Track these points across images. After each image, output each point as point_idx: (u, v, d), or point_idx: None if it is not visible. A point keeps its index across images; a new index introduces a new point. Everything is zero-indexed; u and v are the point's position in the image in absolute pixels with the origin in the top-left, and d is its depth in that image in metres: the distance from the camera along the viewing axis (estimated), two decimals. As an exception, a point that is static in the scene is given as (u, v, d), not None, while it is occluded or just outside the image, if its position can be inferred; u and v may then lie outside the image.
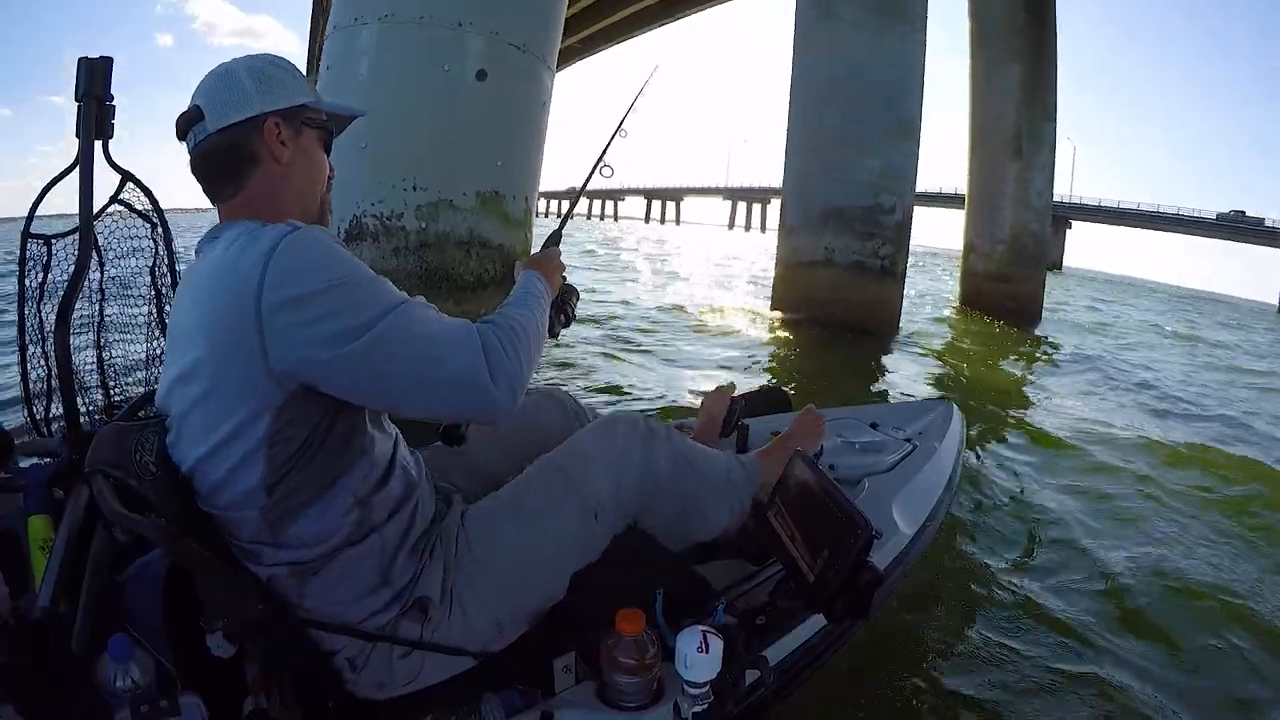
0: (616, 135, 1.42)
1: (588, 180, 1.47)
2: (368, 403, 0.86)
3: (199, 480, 0.85)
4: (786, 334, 7.09)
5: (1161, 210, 55.34)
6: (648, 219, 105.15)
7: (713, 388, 1.69)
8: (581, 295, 1.31)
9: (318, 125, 0.98)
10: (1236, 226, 51.38)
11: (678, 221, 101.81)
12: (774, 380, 4.93)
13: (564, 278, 1.22)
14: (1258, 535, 2.84)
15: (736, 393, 1.71)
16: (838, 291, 7.48)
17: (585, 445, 1.11)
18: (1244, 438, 4.74)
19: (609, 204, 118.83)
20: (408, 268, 3.30)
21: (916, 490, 1.60)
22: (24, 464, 1.17)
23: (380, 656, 0.91)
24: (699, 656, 0.86)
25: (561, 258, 1.21)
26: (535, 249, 1.24)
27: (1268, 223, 50.37)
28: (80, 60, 1.32)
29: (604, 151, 1.42)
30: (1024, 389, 5.91)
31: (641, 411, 3.49)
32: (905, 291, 8.12)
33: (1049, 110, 11.20)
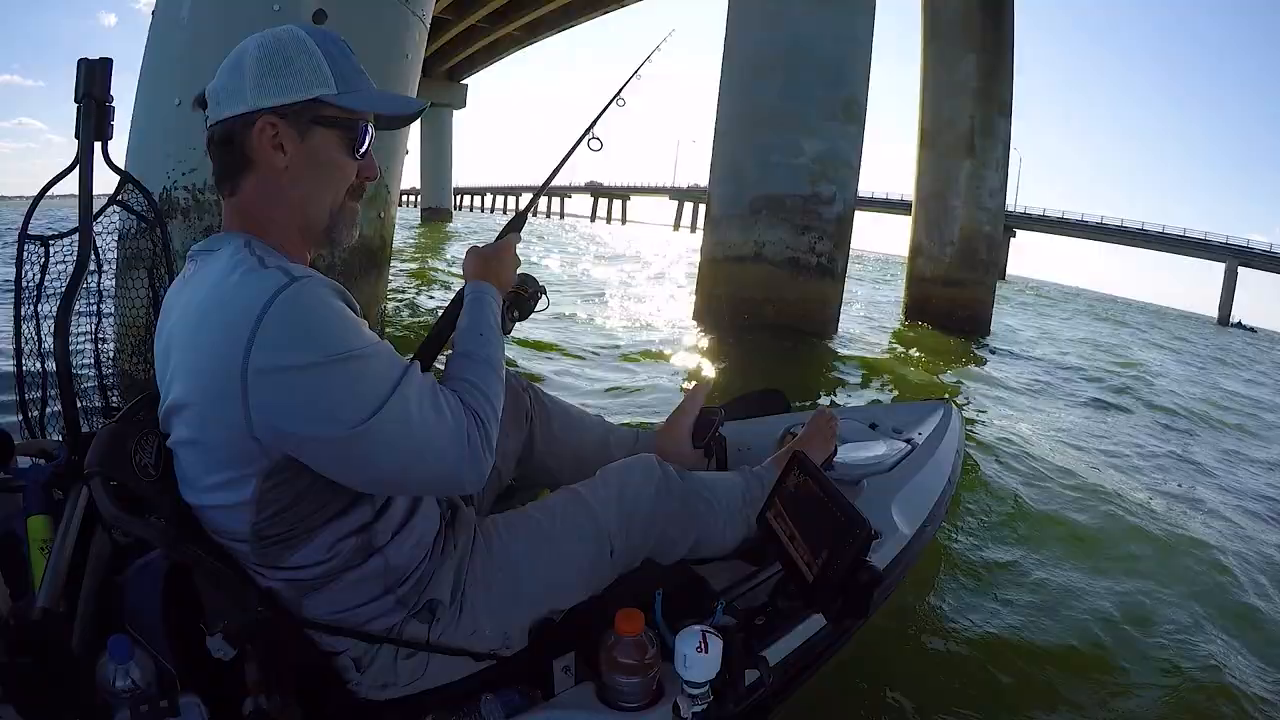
0: (613, 103, 1.31)
1: (572, 150, 1.31)
2: (342, 481, 0.80)
3: (192, 508, 0.84)
4: (710, 333, 6.40)
5: (1105, 221, 55.69)
6: (593, 218, 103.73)
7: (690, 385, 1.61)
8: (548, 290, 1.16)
9: (336, 123, 0.84)
10: (1178, 239, 52.29)
11: (623, 221, 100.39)
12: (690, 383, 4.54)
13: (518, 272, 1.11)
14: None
15: (707, 397, 1.56)
16: (769, 290, 6.63)
17: (605, 484, 1.13)
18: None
19: (554, 201, 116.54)
20: (132, 289, 2.11)
21: (915, 491, 1.61)
22: (23, 464, 1.17)
23: (385, 657, 0.90)
24: (698, 656, 0.86)
25: (518, 247, 1.11)
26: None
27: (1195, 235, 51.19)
28: (80, 61, 1.33)
29: (595, 120, 1.28)
30: (992, 393, 5.79)
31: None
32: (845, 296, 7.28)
33: (1004, 105, 10.62)
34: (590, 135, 1.27)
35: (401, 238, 16.02)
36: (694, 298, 7.34)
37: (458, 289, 1.07)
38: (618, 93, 1.34)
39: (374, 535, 0.88)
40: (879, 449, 1.76)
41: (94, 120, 1.34)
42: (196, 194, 2.88)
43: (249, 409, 0.72)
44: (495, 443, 0.85)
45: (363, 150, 0.87)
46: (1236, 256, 48.87)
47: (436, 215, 30.98)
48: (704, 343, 6.22)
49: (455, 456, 0.80)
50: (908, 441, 1.82)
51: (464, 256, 1.07)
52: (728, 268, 6.90)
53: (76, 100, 1.33)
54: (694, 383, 1.60)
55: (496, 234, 1.14)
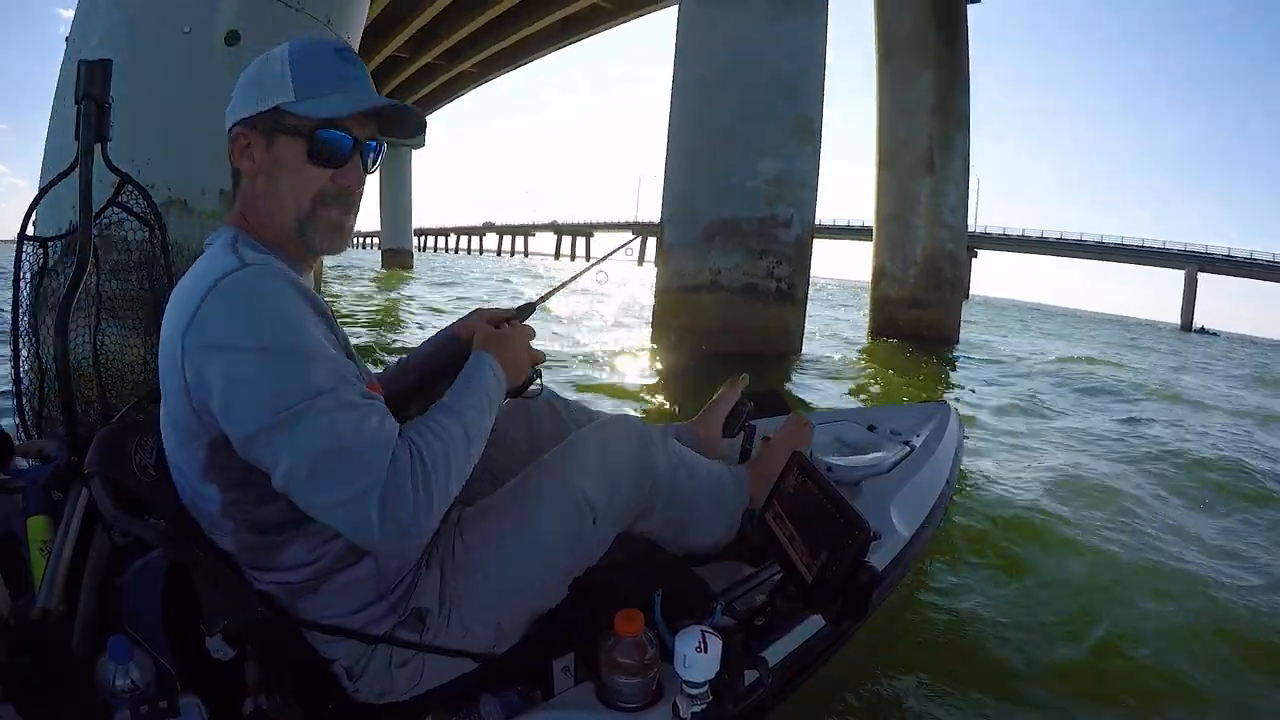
0: (601, 263, 1.50)
1: (574, 277, 1.43)
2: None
3: (180, 496, 0.85)
4: (668, 365, 6.07)
5: (1064, 236, 56.43)
6: (558, 255, 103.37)
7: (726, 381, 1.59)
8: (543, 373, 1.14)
9: (298, 131, 0.84)
10: (1137, 249, 53.53)
11: (588, 257, 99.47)
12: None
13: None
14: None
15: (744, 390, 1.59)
16: (727, 319, 6.29)
17: (580, 448, 1.07)
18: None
19: (519, 239, 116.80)
20: (131, 291, 1.92)
21: (914, 492, 1.61)
22: (23, 465, 1.17)
23: (379, 666, 0.90)
24: (697, 656, 0.86)
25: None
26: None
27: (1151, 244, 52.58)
28: (80, 63, 1.33)
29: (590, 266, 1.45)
30: (970, 402, 5.70)
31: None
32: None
33: (962, 119, 10.52)
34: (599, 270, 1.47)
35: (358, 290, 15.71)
36: (650, 328, 7.02)
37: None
38: (601, 259, 1.53)
39: None
40: (878, 451, 1.76)
41: (94, 121, 1.34)
42: (102, 230, 2.45)
43: (186, 380, 0.76)
44: (438, 503, 0.76)
45: (328, 157, 0.85)
46: (1195, 262, 49.91)
47: (397, 258, 30.91)
48: (662, 374, 5.90)
49: (361, 491, 0.72)
50: (906, 443, 1.83)
51: (476, 330, 1.02)
52: (683, 298, 6.56)
53: (77, 101, 1.34)
54: (731, 379, 1.59)
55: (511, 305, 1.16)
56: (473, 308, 1.16)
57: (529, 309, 1.14)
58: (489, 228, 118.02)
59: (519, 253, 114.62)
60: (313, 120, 0.84)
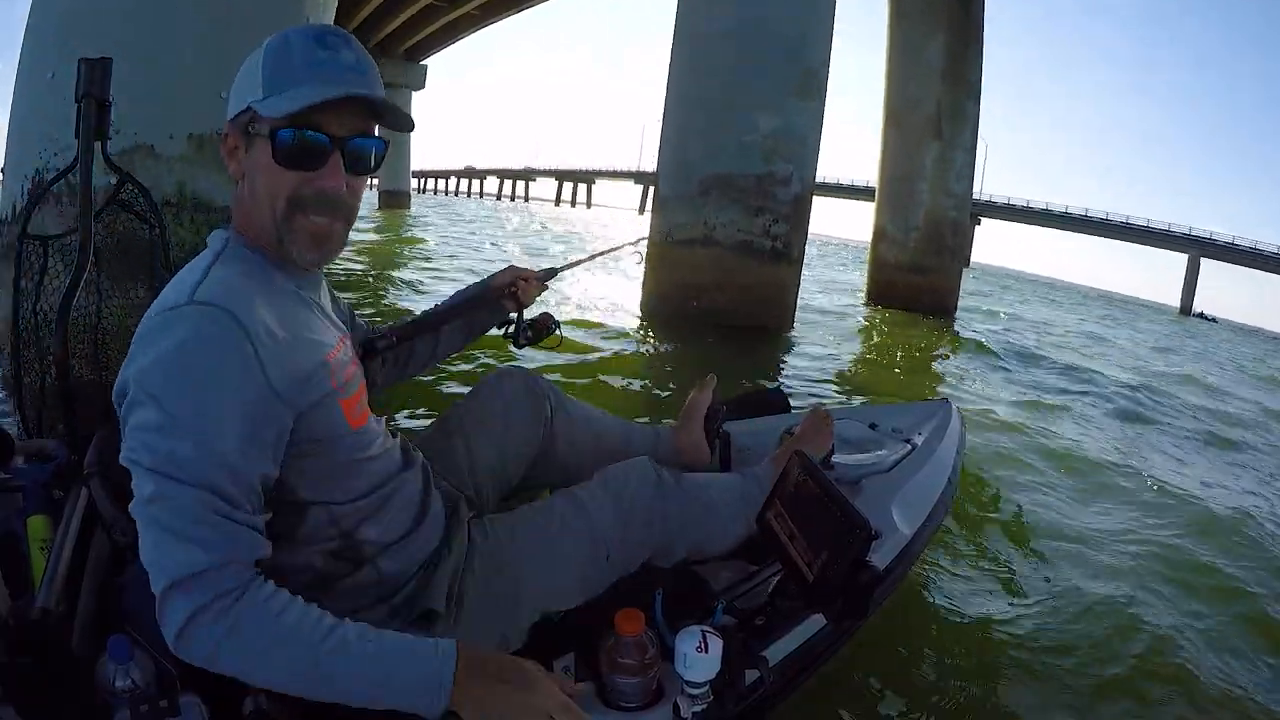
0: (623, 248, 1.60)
1: (587, 259, 1.56)
2: None
3: None
4: (655, 332, 5.90)
5: (1070, 210, 55.74)
6: (558, 201, 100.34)
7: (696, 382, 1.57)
8: None
9: (261, 131, 0.78)
10: (1142, 229, 53.19)
11: (588, 205, 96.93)
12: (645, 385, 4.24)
13: None
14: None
15: (717, 392, 1.57)
16: (720, 276, 6.16)
17: (603, 490, 1.11)
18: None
19: (519, 184, 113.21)
20: (97, 241, 1.75)
21: (916, 490, 1.61)
22: (23, 465, 1.17)
23: None
24: (698, 656, 0.86)
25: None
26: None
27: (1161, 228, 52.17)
28: (80, 61, 1.33)
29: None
30: (975, 385, 5.64)
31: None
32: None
33: (973, 86, 10.30)
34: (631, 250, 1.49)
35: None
36: (641, 284, 6.87)
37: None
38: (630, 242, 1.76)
39: (363, 547, 0.89)
40: (879, 449, 1.76)
41: (94, 120, 1.34)
42: (69, 177, 2.05)
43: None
44: (214, 647, 0.70)
45: (293, 159, 0.79)
46: (1199, 247, 49.77)
47: (394, 199, 30.62)
48: (654, 333, 5.81)
49: (158, 588, 0.69)
50: (908, 441, 1.82)
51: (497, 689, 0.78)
52: (676, 252, 6.43)
53: (76, 100, 1.34)
54: (700, 381, 1.58)
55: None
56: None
57: (553, 273, 1.26)
58: (470, 172, 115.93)
59: (519, 197, 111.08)
60: (273, 119, 0.77)
